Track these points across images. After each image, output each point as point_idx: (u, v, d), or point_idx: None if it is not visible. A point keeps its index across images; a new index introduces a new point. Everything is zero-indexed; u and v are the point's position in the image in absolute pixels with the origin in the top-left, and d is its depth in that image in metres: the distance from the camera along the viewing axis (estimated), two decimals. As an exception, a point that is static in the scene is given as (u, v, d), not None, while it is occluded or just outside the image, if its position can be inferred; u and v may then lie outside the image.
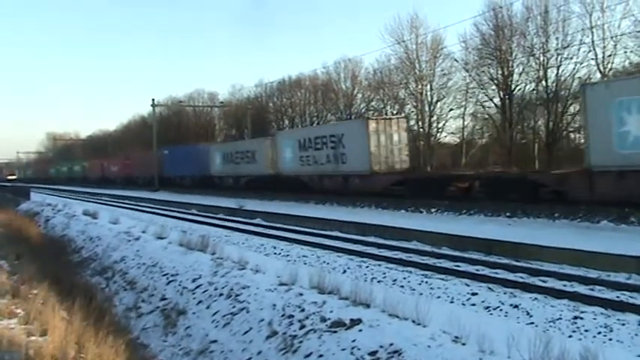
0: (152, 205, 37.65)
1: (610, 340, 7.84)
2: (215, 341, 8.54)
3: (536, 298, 10.22)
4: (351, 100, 54.09)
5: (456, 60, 43.12)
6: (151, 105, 60.09)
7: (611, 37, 33.52)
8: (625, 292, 10.29)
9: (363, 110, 53.11)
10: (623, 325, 8.33)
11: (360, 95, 53.98)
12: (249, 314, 8.66)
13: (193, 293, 10.62)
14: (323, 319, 7.50)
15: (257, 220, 25.13)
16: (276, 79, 64.26)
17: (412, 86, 45.97)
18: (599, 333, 8.12)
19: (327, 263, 14.59)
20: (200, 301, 10.10)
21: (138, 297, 11.96)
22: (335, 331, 7.11)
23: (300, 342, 7.23)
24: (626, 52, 33.44)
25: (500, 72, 39.31)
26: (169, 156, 55.81)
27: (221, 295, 9.88)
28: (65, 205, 31.48)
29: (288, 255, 16.11)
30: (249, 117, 60.81)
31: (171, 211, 32.41)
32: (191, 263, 12.32)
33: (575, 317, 8.83)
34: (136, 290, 12.47)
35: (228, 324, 8.80)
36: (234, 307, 9.15)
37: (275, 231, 21.17)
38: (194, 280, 11.15)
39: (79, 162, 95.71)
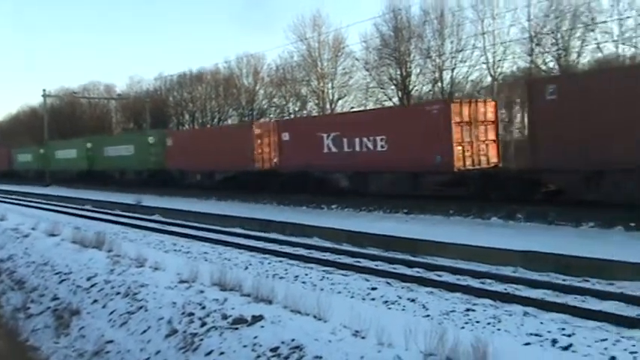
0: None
1: (498, 330, 8.27)
2: (111, 341, 8.24)
3: (431, 292, 10.65)
4: (252, 96, 53.86)
5: (356, 59, 44.07)
6: (42, 95, 57.16)
7: (501, 43, 35.44)
8: (512, 285, 10.92)
9: (265, 106, 53.03)
10: (510, 315, 8.84)
11: (262, 91, 53.89)
12: (147, 313, 8.42)
13: (88, 292, 10.21)
14: (224, 317, 7.43)
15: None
16: (177, 73, 62.84)
17: (314, 84, 46.51)
18: (489, 323, 8.55)
19: (229, 260, 14.50)
20: (95, 301, 9.72)
21: (27, 297, 11.33)
22: (236, 328, 7.06)
23: (201, 340, 7.12)
24: (514, 57, 35.46)
25: (398, 72, 40.49)
26: None
27: (118, 293, 9.56)
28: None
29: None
30: (148, 110, 59.11)
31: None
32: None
33: (468, 309, 9.25)
34: (24, 290, 11.82)
35: (125, 323, 8.52)
36: (131, 305, 8.87)
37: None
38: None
39: (134, 135, 48.27)
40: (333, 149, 25.04)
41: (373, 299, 10.30)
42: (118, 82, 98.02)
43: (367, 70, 42.95)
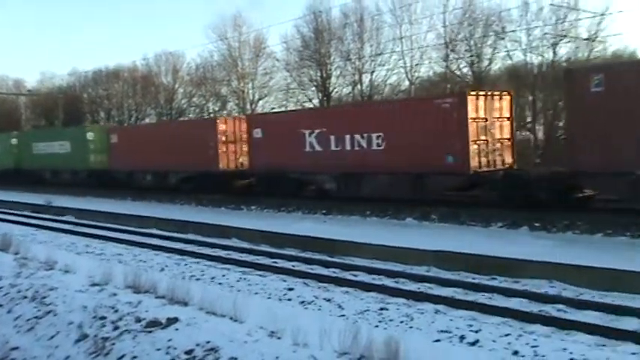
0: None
1: (411, 327, 8.53)
2: (16, 348, 7.91)
3: (347, 292, 10.85)
4: (171, 95, 52.86)
5: (277, 60, 44.09)
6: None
7: (418, 48, 36.39)
8: (425, 284, 11.28)
9: (184, 106, 52.21)
10: (422, 313, 9.13)
11: (181, 90, 52.98)
12: (56, 317, 8.14)
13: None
14: (138, 320, 7.29)
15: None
16: (92, 69, 60.63)
17: (234, 84, 46.25)
18: (402, 322, 8.80)
19: (144, 261, 14.22)
20: (0, 305, 9.30)
21: None
22: (150, 331, 6.95)
23: (113, 344, 6.96)
24: (430, 62, 36.52)
25: (319, 74, 40.83)
26: None
27: (25, 297, 9.19)
28: None
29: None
30: (61, 107, 56.83)
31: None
32: None
33: (382, 308, 9.48)
34: None
35: (32, 329, 8.20)
36: (39, 310, 8.55)
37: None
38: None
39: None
40: (317, 148, 22.52)
41: (290, 300, 10.37)
42: (29, 78, 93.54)
43: (288, 71, 43.12)
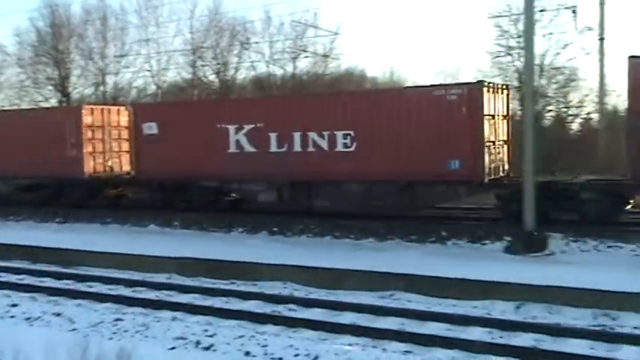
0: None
1: (146, 337, 8.42)
2: None
3: (80, 304, 10.37)
4: None
5: (7, 54, 40.17)
6: None
7: (165, 52, 35.97)
8: (164, 291, 11.25)
9: None
10: (159, 321, 9.07)
11: None
12: None
13: None
14: None
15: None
16: None
17: (-47, 77, 40.94)
18: (138, 331, 8.65)
19: None
20: None
21: None
22: None
23: None
24: (177, 67, 36.36)
25: (57, 72, 38.13)
26: None
27: None
28: None
29: None
30: None
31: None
32: None
33: (117, 319, 9.22)
34: None
35: None
36: None
37: None
38: None
39: None
40: (248, 148, 17.77)
41: (13, 317, 9.59)
42: None
43: (21, 66, 39.41)
